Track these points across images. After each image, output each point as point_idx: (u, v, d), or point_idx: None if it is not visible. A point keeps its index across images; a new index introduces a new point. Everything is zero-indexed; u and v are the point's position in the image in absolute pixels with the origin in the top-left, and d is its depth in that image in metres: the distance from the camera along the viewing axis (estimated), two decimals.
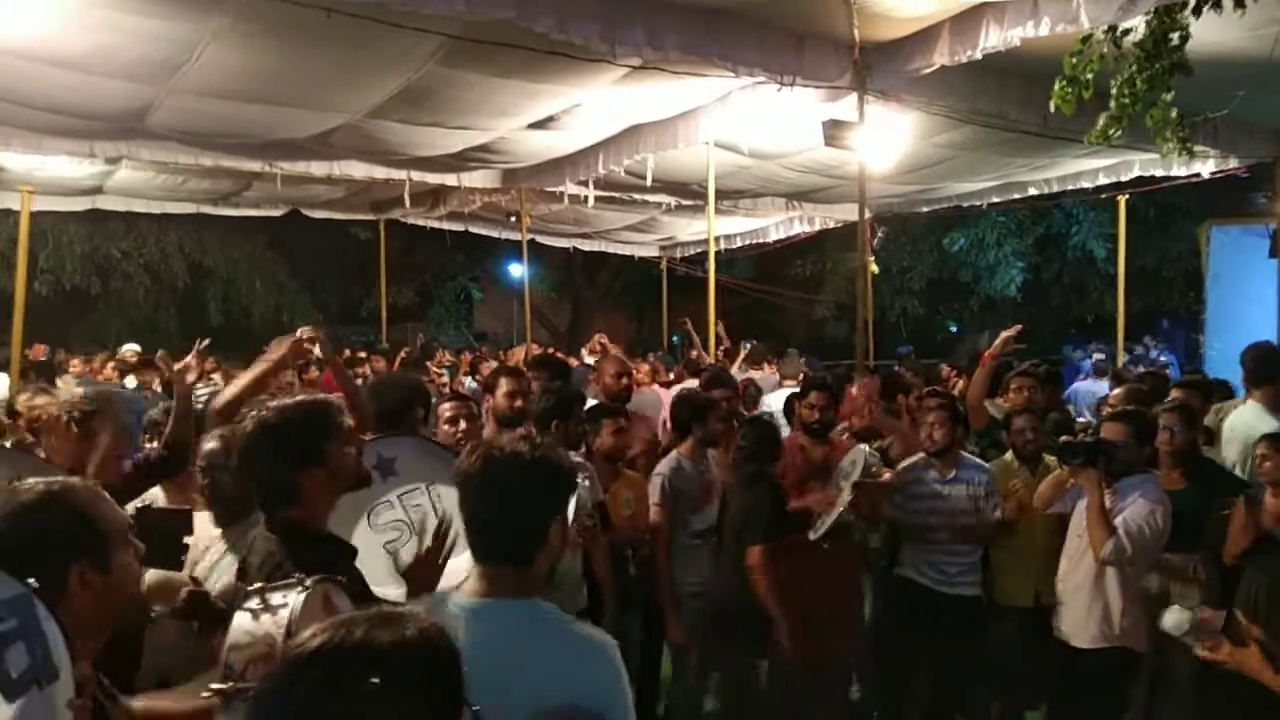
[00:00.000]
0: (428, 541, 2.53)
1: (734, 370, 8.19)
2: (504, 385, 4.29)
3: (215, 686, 1.66)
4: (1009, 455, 4.99)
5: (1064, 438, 4.29)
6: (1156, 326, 17.56)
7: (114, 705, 1.80)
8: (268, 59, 5.96)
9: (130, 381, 8.93)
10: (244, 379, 3.71)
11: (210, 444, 3.22)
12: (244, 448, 2.28)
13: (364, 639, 1.15)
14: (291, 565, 2.02)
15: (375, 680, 1.11)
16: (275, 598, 1.69)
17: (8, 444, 3.76)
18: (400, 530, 2.87)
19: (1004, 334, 5.60)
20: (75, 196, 10.74)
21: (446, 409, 4.17)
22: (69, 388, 6.93)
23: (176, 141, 8.10)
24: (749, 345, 10.00)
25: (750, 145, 8.21)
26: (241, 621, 1.67)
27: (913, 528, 4.69)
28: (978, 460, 4.88)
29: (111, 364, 10.19)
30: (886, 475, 4.58)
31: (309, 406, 2.31)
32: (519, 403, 4.22)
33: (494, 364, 9.42)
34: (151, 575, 2.91)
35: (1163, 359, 12.68)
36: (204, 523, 3.18)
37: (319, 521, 2.27)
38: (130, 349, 10.96)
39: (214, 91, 6.47)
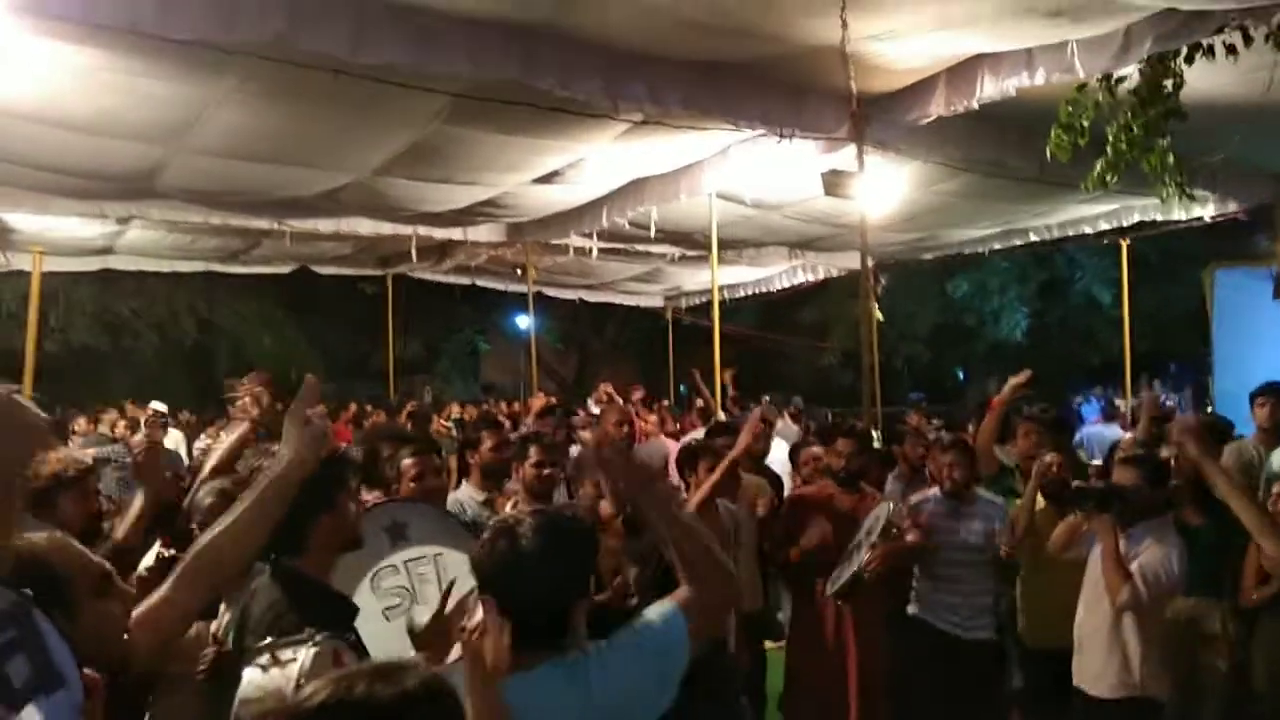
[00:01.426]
0: (425, 612, 2.49)
1: None
2: (534, 455, 4.13)
3: None
4: (1038, 498, 4.95)
5: (1076, 483, 4.26)
6: (1164, 370, 17.53)
7: None
8: (275, 119, 6.06)
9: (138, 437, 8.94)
10: (228, 443, 3.68)
11: (209, 499, 3.20)
12: None
13: (367, 692, 1.16)
14: (294, 616, 2.01)
15: None
16: (285, 654, 1.70)
17: None
18: (401, 598, 2.82)
19: (1013, 380, 5.59)
20: (86, 256, 10.84)
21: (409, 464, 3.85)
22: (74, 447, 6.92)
23: (186, 201, 8.19)
24: (765, 400, 10.06)
25: (752, 196, 8.30)
26: (252, 676, 1.68)
27: (928, 563, 4.66)
28: (992, 496, 4.88)
29: (124, 422, 10.22)
30: (911, 535, 4.54)
31: (328, 457, 2.30)
32: (547, 471, 4.11)
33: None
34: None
35: (1169, 402, 12.63)
36: None
37: (323, 576, 2.27)
38: (156, 407, 11.00)
39: (222, 151, 6.57)
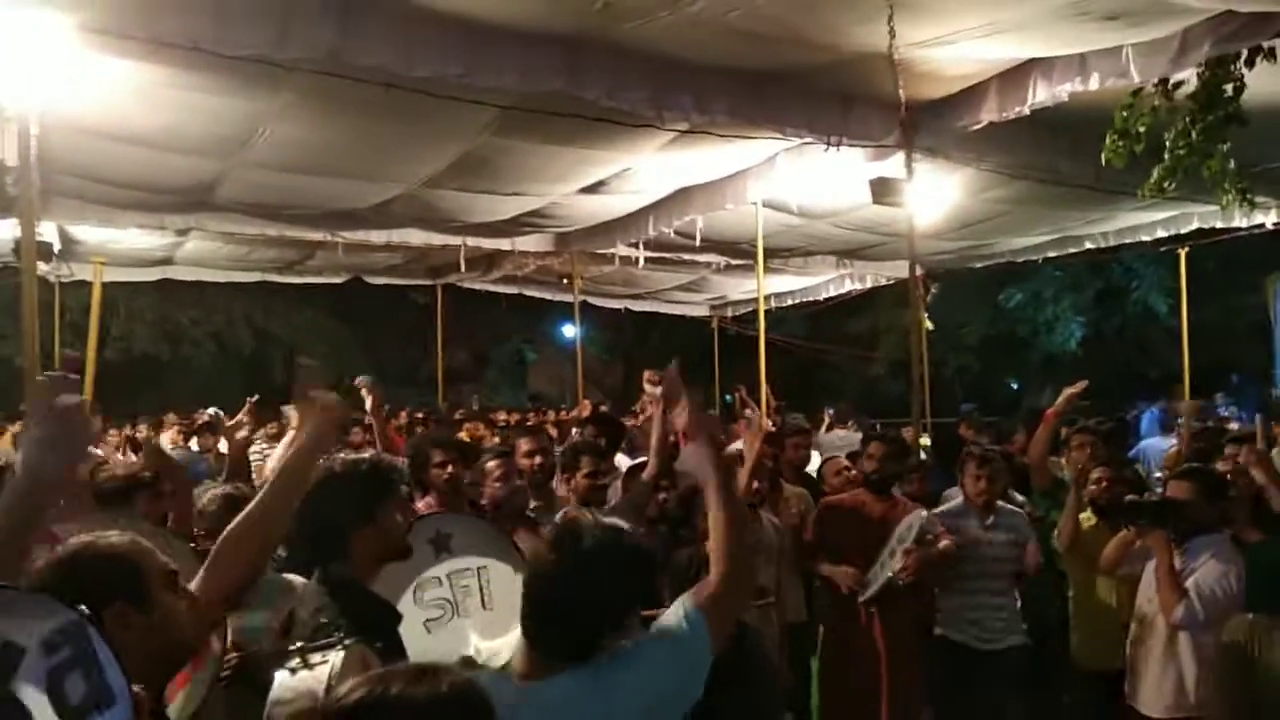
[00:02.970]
0: (467, 625, 2.51)
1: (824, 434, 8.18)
2: (585, 465, 4.17)
3: None
4: (1087, 513, 4.84)
5: (1129, 497, 4.16)
6: (1226, 381, 17.04)
7: None
8: (329, 133, 6.19)
9: (193, 444, 9.14)
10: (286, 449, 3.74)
11: (213, 506, 3.26)
12: (306, 497, 2.31)
13: (400, 694, 1.19)
14: (340, 620, 2.04)
15: None
16: (315, 657, 1.73)
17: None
18: (443, 610, 2.83)
19: (1068, 390, 5.48)
20: (146, 267, 11.16)
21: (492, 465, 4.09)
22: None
23: (243, 213, 8.39)
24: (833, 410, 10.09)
25: (799, 204, 8.26)
26: (283, 679, 1.70)
27: (954, 577, 4.58)
28: (1013, 507, 4.80)
29: (175, 429, 10.42)
30: (945, 542, 4.48)
31: (372, 465, 2.37)
32: (602, 481, 4.16)
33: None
34: None
35: (1225, 413, 12.26)
36: None
37: (366, 581, 2.30)
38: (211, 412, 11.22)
39: (278, 165, 6.73)
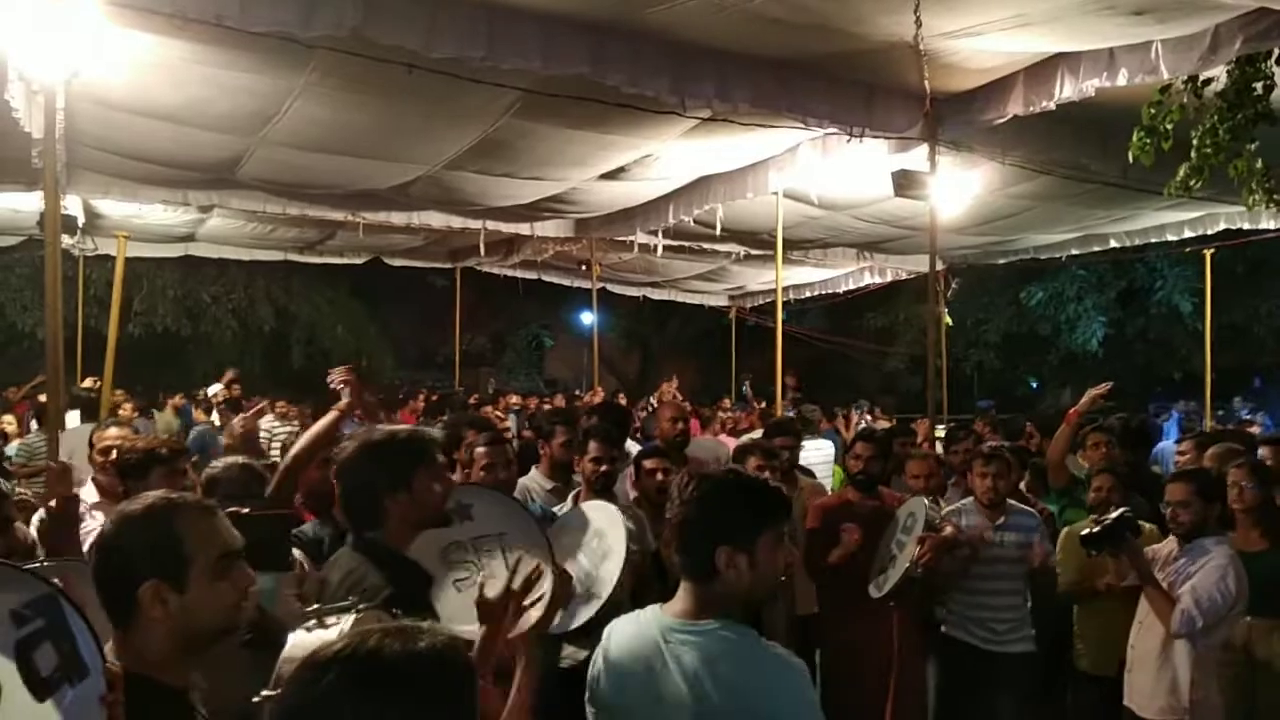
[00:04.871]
0: (493, 585, 2.55)
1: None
2: (593, 450, 4.15)
3: (265, 693, 1.72)
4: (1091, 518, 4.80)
5: (1083, 532, 4.10)
6: (1248, 384, 16.87)
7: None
8: (352, 113, 6.20)
9: (214, 418, 9.21)
10: (317, 428, 3.77)
11: (230, 472, 3.32)
12: (341, 466, 2.46)
13: (375, 646, 1.22)
14: (372, 580, 2.16)
15: (381, 685, 1.19)
16: (330, 619, 1.77)
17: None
18: (469, 571, 2.93)
19: (1092, 391, 5.44)
20: (169, 243, 11.25)
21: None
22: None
23: (265, 191, 8.45)
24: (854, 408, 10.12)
25: (820, 195, 8.22)
26: (297, 638, 1.74)
27: (963, 577, 4.53)
28: (1024, 507, 4.75)
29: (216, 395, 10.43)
30: (948, 529, 4.44)
31: (408, 435, 2.49)
32: (605, 468, 4.14)
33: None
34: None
35: (1248, 416, 12.16)
36: None
37: (401, 548, 2.40)
38: (220, 386, 11.35)
39: (301, 144, 6.75)
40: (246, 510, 2.93)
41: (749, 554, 1.98)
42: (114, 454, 3.83)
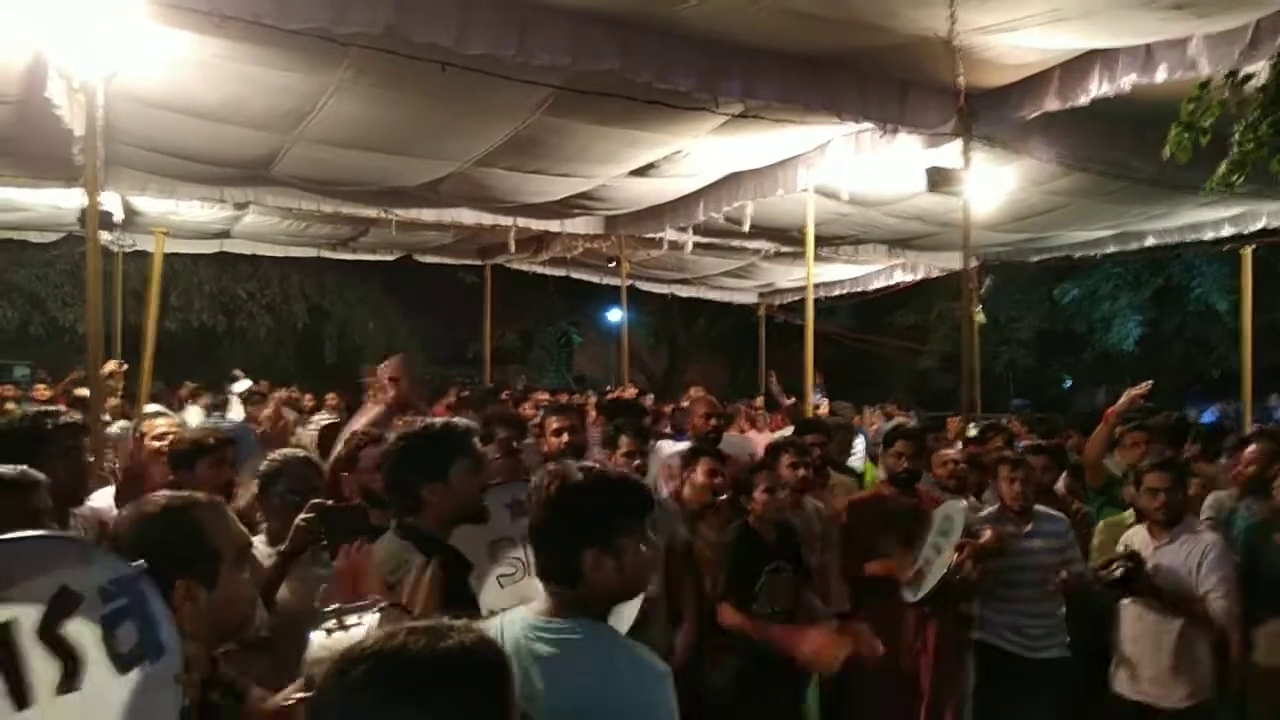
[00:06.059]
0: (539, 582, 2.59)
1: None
2: (625, 445, 4.26)
3: (298, 695, 1.74)
4: (1128, 514, 4.73)
5: (1107, 578, 4.10)
6: None
7: (240, 703, 1.88)
8: (385, 110, 6.26)
9: (239, 414, 9.30)
10: (364, 420, 3.83)
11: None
12: (386, 453, 2.57)
13: (403, 644, 1.22)
14: (419, 560, 2.23)
15: (409, 683, 1.18)
16: (350, 618, 1.78)
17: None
18: (515, 567, 2.97)
19: (1131, 391, 5.36)
20: (205, 239, 11.40)
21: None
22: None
23: (299, 188, 8.54)
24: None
25: (851, 191, 8.17)
26: (318, 639, 1.75)
27: (994, 584, 4.49)
28: (1053, 511, 4.69)
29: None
30: (988, 534, 4.40)
31: (445, 426, 2.56)
32: (637, 462, 4.22)
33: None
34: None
35: None
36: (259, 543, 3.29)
37: (442, 536, 2.47)
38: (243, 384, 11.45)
39: (335, 141, 6.82)
40: (330, 503, 3.04)
41: (615, 555, 1.92)
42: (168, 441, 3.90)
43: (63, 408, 3.96)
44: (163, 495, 1.93)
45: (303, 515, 2.98)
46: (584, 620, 1.93)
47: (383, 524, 2.85)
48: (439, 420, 2.63)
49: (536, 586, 2.41)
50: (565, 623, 1.92)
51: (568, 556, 1.93)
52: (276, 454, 3.47)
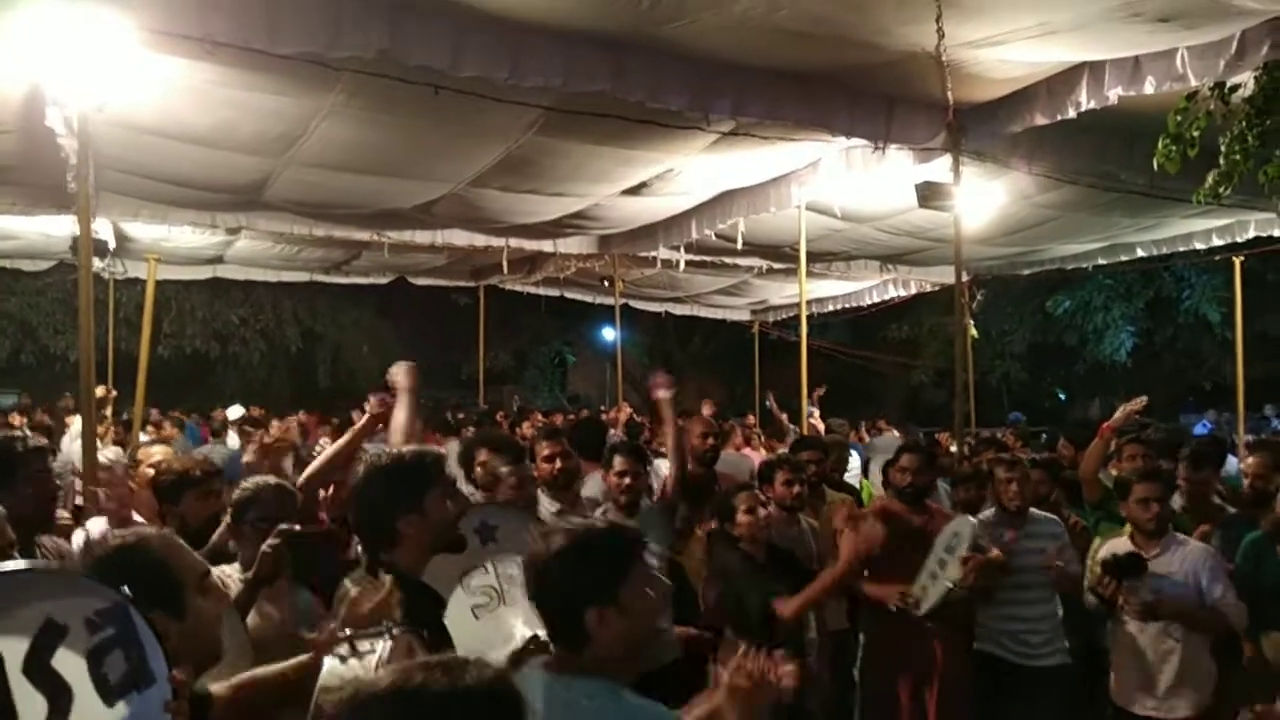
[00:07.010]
0: (512, 612, 2.55)
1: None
2: (619, 465, 4.15)
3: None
4: (1126, 528, 4.71)
5: (1107, 555, 4.13)
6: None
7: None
8: (377, 133, 6.26)
9: (233, 441, 9.27)
10: (330, 450, 3.79)
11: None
12: (355, 489, 2.47)
13: (423, 683, 1.20)
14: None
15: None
16: (363, 645, 1.76)
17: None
18: (490, 596, 2.89)
19: (1126, 406, 5.36)
20: (198, 265, 11.38)
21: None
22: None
23: (292, 213, 8.53)
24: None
25: (842, 208, 8.20)
26: (332, 666, 1.73)
27: (988, 589, 4.44)
28: (1048, 515, 4.70)
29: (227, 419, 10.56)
30: (994, 550, 4.38)
31: (415, 455, 2.46)
32: (630, 482, 4.16)
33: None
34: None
35: (1278, 426, 11.95)
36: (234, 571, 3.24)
37: (415, 571, 2.37)
38: (237, 410, 11.43)
39: (327, 164, 6.82)
40: (298, 528, 2.98)
41: (618, 607, 1.90)
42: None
43: (28, 432, 3.94)
44: (115, 534, 1.95)
45: (269, 542, 2.88)
46: (595, 683, 1.90)
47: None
48: (406, 449, 2.54)
49: (511, 616, 2.39)
50: (576, 681, 1.90)
51: (570, 619, 1.91)
52: (249, 482, 3.41)
